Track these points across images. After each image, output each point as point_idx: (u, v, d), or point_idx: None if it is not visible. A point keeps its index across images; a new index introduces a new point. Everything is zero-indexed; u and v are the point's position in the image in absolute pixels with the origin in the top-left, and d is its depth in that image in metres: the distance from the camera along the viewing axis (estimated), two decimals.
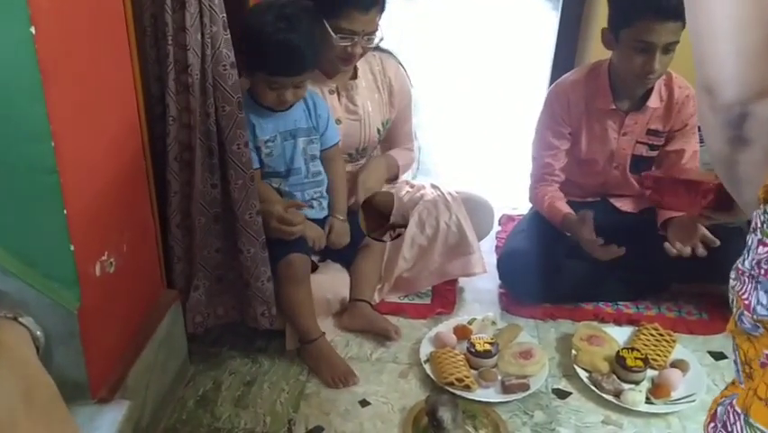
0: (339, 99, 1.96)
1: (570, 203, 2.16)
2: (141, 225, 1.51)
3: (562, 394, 1.75)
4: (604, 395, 1.72)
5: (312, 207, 1.88)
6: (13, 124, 1.10)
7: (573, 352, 1.85)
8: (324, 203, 1.91)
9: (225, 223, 1.68)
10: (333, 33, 1.78)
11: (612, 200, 2.22)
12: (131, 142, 1.43)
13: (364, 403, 1.70)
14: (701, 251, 1.86)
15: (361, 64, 1.97)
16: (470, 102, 3.80)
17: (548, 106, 2.09)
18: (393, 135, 2.11)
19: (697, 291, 2.14)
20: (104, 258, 1.32)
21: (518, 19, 4.93)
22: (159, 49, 1.49)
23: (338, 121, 1.95)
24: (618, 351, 1.81)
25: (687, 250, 1.87)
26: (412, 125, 2.16)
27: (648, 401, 1.70)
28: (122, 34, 1.35)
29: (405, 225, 1.96)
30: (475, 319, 1.98)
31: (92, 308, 1.28)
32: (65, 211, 1.17)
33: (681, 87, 1.99)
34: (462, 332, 1.91)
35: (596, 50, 2.36)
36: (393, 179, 2.12)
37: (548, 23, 3.78)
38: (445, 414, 1.58)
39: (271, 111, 1.75)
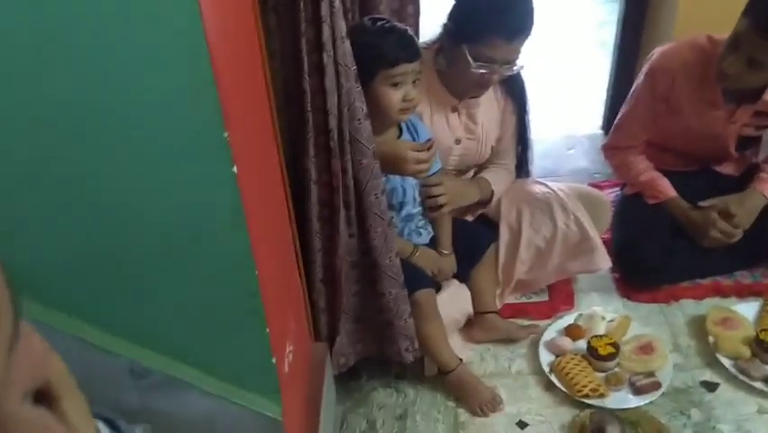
0: (459, 118, 1.87)
1: (669, 173, 2.13)
2: (297, 296, 1.47)
3: (710, 387, 1.77)
4: (753, 383, 1.74)
5: (420, 234, 1.83)
6: (219, 257, 1.03)
7: (711, 339, 1.85)
8: (430, 227, 1.85)
9: (361, 267, 1.63)
10: (471, 60, 1.67)
11: (713, 166, 2.17)
12: (285, 220, 1.36)
13: (522, 425, 1.71)
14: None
15: None
16: None
17: (649, 79, 2.00)
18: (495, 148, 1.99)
19: None
20: (287, 351, 1.28)
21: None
22: (290, 111, 1.40)
23: (458, 141, 1.87)
24: (757, 334, 1.82)
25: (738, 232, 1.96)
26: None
27: None
28: (270, 117, 1.25)
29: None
30: (582, 315, 1.97)
31: (288, 404, 1.25)
32: (267, 330, 1.12)
33: None
34: (576, 332, 1.90)
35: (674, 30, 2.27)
36: (486, 202, 1.99)
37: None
38: (613, 431, 1.60)
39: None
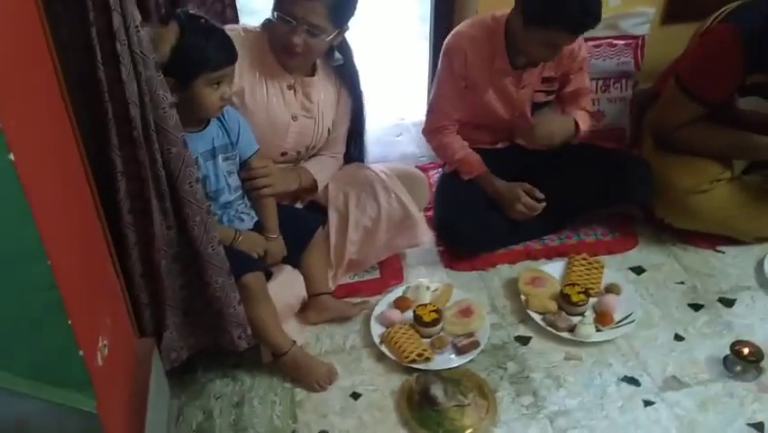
0: (295, 95, 1.91)
1: (480, 150, 2.29)
2: (112, 292, 1.44)
3: (524, 340, 1.94)
4: (560, 333, 1.92)
5: (243, 220, 1.85)
6: (6, 251, 1.00)
7: (523, 297, 2.03)
8: (253, 213, 1.88)
9: (185, 259, 1.62)
10: (273, 11, 1.74)
11: (518, 141, 2.36)
12: (90, 214, 1.34)
13: (356, 396, 1.78)
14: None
15: (320, 61, 1.93)
16: None
17: (446, 60, 2.15)
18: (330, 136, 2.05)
19: (605, 213, 2.38)
20: (100, 345, 1.26)
21: None
22: (89, 103, 1.37)
23: (294, 117, 1.91)
24: (561, 289, 2.01)
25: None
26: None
27: (597, 330, 1.93)
28: (62, 108, 1.23)
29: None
30: (409, 288, 2.08)
31: (105, 398, 1.23)
32: (69, 322, 1.10)
33: None
34: (404, 304, 2.01)
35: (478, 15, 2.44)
36: (311, 189, 2.05)
37: None
38: (437, 391, 1.71)
39: (189, 132, 1.63)
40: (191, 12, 1.66)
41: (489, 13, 2.13)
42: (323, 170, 2.05)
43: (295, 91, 1.92)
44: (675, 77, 2.16)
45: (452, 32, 2.15)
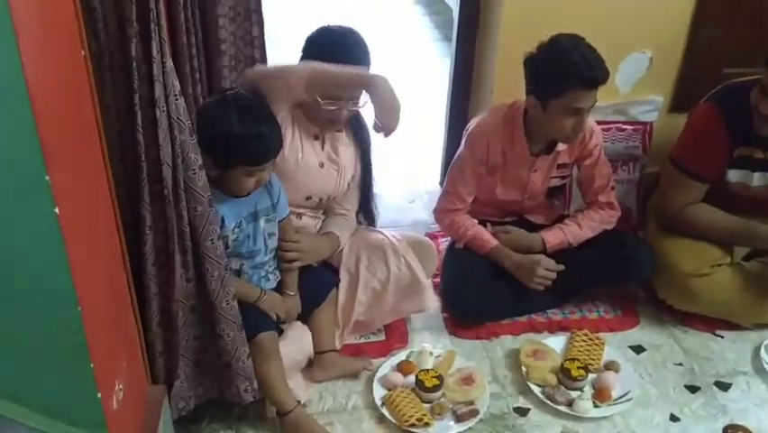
0: (323, 146, 2.01)
1: (490, 223, 2.38)
2: (131, 339, 1.52)
3: (522, 412, 1.98)
4: (558, 407, 1.96)
5: (269, 279, 1.94)
6: (41, 294, 1.09)
7: (524, 369, 2.07)
8: (277, 272, 1.97)
9: (201, 311, 1.71)
10: (319, 100, 1.83)
11: (527, 216, 2.45)
12: (118, 264, 1.43)
13: None
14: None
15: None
16: None
17: (469, 147, 2.25)
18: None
19: (609, 291, 2.44)
20: (116, 388, 1.33)
21: (410, 65, 4.66)
22: (125, 161, 1.48)
23: (321, 164, 2.01)
24: (562, 363, 2.06)
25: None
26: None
27: (595, 405, 1.97)
28: (102, 166, 1.34)
29: None
30: (413, 352, 2.14)
31: None
32: (91, 365, 1.18)
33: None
34: (407, 368, 2.06)
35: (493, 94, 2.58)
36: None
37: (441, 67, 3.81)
38: None
39: (234, 198, 1.77)
40: (242, 93, 1.74)
41: (504, 101, 2.27)
42: (344, 234, 2.14)
43: (322, 142, 2.02)
44: (669, 157, 2.26)
45: (475, 121, 2.28)
